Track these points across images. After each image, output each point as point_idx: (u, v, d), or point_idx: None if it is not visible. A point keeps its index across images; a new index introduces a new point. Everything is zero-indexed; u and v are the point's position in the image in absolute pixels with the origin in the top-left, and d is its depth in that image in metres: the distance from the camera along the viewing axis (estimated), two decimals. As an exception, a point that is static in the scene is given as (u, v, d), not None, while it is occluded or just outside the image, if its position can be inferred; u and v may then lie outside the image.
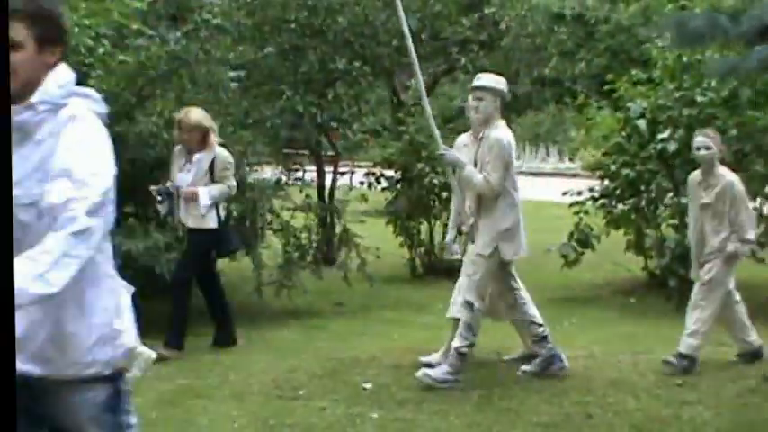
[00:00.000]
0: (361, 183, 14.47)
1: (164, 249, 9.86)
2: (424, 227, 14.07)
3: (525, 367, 8.30)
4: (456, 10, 15.31)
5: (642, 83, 11.87)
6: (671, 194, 11.25)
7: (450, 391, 7.84)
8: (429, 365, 8.23)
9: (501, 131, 7.93)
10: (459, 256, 8.50)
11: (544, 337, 8.22)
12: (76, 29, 9.54)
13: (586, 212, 12.24)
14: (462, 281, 8.28)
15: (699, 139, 8.29)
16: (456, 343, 8.03)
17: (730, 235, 8.21)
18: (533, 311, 8.26)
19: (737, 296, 8.52)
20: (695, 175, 8.43)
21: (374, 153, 15.43)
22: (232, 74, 11.50)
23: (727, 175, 8.31)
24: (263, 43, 13.56)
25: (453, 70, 16.94)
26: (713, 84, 10.85)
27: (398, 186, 13.99)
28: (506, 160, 7.83)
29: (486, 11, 16.29)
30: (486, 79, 8.11)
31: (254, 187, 11.33)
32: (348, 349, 9.25)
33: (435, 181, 13.28)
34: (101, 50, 9.80)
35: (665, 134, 10.72)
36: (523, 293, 8.26)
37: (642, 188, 11.55)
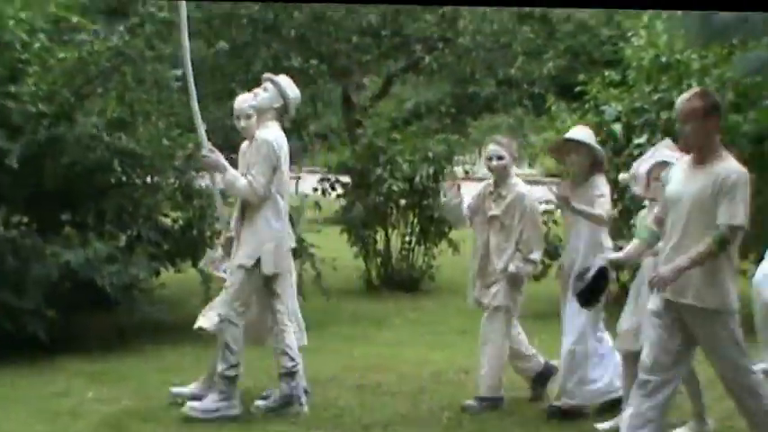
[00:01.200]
0: (315, 189, 14.10)
1: (105, 261, 9.50)
2: (380, 236, 13.72)
3: (260, 403, 7.71)
4: (420, 6, 14.95)
5: (615, 84, 11.55)
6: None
7: (418, 413, 7.64)
8: (195, 398, 7.67)
9: (270, 132, 7.52)
10: (224, 275, 7.97)
11: (292, 374, 7.60)
12: (11, 22, 9.18)
13: (555, 222, 11.87)
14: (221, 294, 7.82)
15: (490, 147, 7.83)
16: (219, 368, 7.53)
17: (515, 253, 7.75)
18: (291, 341, 7.66)
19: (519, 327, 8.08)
20: (486, 184, 7.98)
21: (330, 158, 15.10)
22: (177, 72, 11.12)
23: (519, 185, 7.85)
24: (213, 39, 13.17)
25: (413, 68, 16.58)
26: (694, 85, 10.54)
27: (354, 193, 13.63)
28: (273, 163, 7.41)
29: (443, 8, 15.97)
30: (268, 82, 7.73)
31: (201, 194, 10.95)
32: (305, 368, 8.85)
33: (395, 187, 12.97)
34: (37, 45, 9.47)
35: (642, 139, 10.43)
36: (286, 319, 7.67)
37: (616, 197, 11.21)
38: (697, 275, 5.82)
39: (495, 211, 7.80)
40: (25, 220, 10.34)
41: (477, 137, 36.01)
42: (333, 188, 14.11)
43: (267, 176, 7.40)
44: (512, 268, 7.69)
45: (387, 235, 13.77)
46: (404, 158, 13.27)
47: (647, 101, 10.76)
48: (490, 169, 7.89)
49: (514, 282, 7.77)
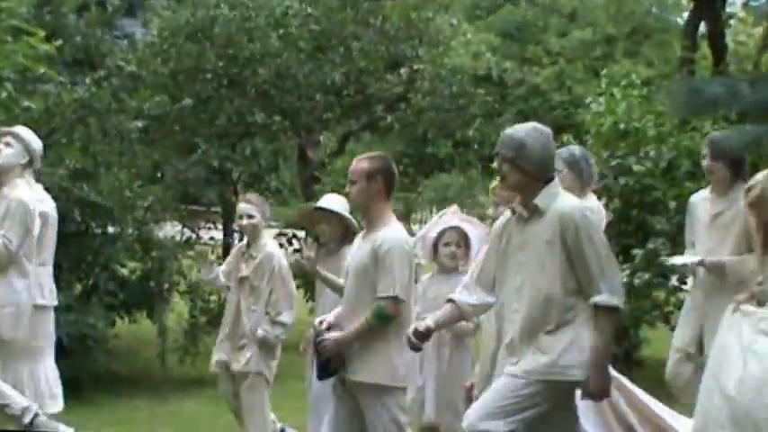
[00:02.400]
0: (274, 245, 13.94)
1: (62, 309, 9.28)
2: (339, 289, 13.54)
3: None
4: (383, 66, 14.90)
5: (573, 149, 11.49)
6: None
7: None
8: None
9: (22, 191, 7.16)
10: None
11: None
12: (-22, 70, 9.03)
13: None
14: None
15: (241, 206, 7.57)
16: None
17: (264, 316, 7.43)
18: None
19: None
20: (240, 245, 7.77)
21: (282, 212, 15.00)
22: (138, 124, 11.01)
23: (269, 245, 7.57)
24: (177, 93, 13.03)
25: (371, 126, 16.54)
26: (651, 153, 10.52)
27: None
28: (27, 225, 7.09)
29: (402, 70, 15.97)
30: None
31: (161, 245, 10.78)
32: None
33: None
34: (3, 95, 9.29)
35: (601, 203, 10.32)
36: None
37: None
38: (356, 348, 5.62)
39: (245, 272, 7.49)
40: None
41: (431, 195, 36.25)
42: (290, 242, 13.94)
43: (20, 237, 7.04)
44: (260, 333, 7.36)
45: (344, 289, 13.59)
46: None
47: (605, 166, 10.70)
48: (241, 228, 7.65)
49: (266, 346, 7.45)
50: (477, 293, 5.30)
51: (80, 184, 10.01)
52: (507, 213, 5.29)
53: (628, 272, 10.25)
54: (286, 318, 7.42)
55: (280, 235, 14.02)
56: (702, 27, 18.25)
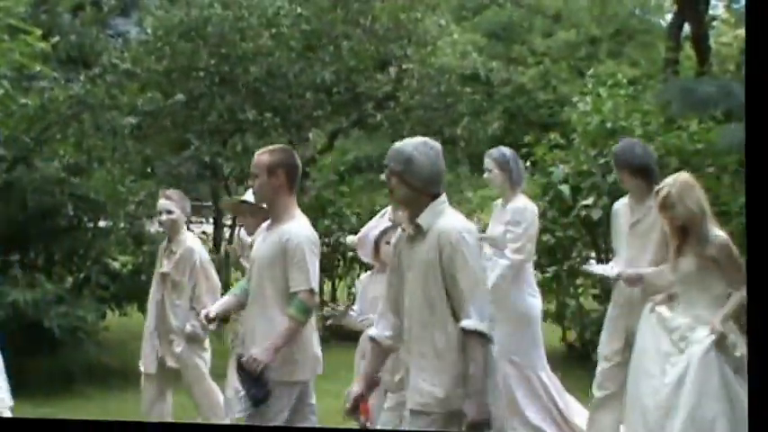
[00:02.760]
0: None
1: (53, 302, 9.33)
2: (327, 287, 13.55)
3: None
4: (372, 65, 14.93)
5: (561, 147, 11.53)
6: (592, 263, 10.89)
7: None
8: None
9: None
10: None
11: None
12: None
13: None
14: None
15: (160, 202, 7.47)
16: None
17: (190, 311, 7.39)
18: None
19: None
20: (165, 242, 7.65)
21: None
22: (132, 120, 11.05)
23: (189, 240, 7.50)
24: (171, 90, 13.05)
25: (360, 123, 16.57)
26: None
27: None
28: None
29: (391, 69, 16.01)
30: None
31: (153, 240, 10.82)
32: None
33: (342, 239, 12.80)
34: (0, 92, 9.23)
35: (589, 201, 10.38)
36: None
37: (559, 256, 11.17)
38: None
39: (165, 267, 7.43)
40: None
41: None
42: (279, 239, 13.96)
43: None
44: (188, 328, 7.35)
45: (333, 286, 13.60)
46: (351, 211, 13.19)
47: (593, 164, 10.73)
48: (161, 224, 7.58)
49: (195, 341, 7.44)
50: (390, 320, 5.02)
51: (74, 179, 10.04)
52: (398, 232, 5.07)
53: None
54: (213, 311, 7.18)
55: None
56: (686, 28, 18.30)
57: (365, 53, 14.88)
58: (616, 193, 10.59)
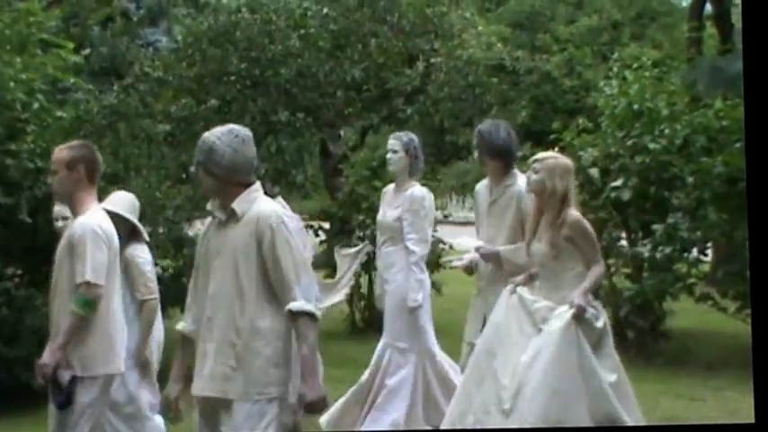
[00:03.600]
0: (299, 235, 13.91)
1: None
2: (363, 280, 13.44)
3: None
4: (400, 61, 14.85)
5: (589, 131, 11.41)
6: (623, 243, 10.77)
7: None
8: None
9: None
10: None
11: None
12: (11, 83, 9.00)
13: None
14: None
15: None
16: None
17: None
18: None
19: None
20: None
21: (304, 205, 14.97)
22: (166, 127, 11.02)
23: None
24: (203, 96, 13.02)
25: (391, 119, 16.51)
26: (666, 131, 10.41)
27: (336, 239, 13.40)
28: None
29: (419, 64, 15.92)
30: None
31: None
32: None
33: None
34: (36, 106, 9.24)
35: (619, 182, 10.26)
36: None
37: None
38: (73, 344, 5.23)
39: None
40: (19, 272, 10.08)
41: (451, 183, 36.17)
42: (316, 234, 13.88)
43: None
44: None
45: (370, 278, 13.50)
46: (385, 205, 13.11)
47: (621, 146, 10.60)
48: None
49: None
50: (193, 310, 4.81)
51: (112, 188, 10.01)
52: (209, 219, 4.83)
53: (649, 246, 10.18)
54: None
55: (306, 227, 13.94)
56: (707, 8, 18.13)
57: (393, 49, 14.80)
58: (645, 173, 10.53)
